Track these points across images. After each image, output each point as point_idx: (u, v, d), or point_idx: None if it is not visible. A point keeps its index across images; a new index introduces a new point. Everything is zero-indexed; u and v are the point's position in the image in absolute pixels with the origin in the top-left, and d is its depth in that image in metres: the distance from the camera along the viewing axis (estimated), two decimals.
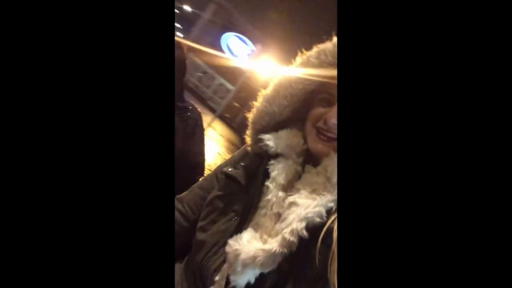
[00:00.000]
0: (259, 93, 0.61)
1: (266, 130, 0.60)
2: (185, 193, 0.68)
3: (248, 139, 0.64)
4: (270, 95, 0.60)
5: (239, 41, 6.33)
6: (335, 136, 0.54)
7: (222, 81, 6.50)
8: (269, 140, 0.58)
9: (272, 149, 0.57)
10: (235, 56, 6.26)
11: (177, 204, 0.66)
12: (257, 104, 0.61)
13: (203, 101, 6.17)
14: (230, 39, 6.22)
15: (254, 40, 6.36)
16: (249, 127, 0.63)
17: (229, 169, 0.62)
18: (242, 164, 0.62)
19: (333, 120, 0.53)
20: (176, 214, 0.65)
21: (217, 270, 0.52)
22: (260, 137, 0.59)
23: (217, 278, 0.52)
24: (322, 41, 0.55)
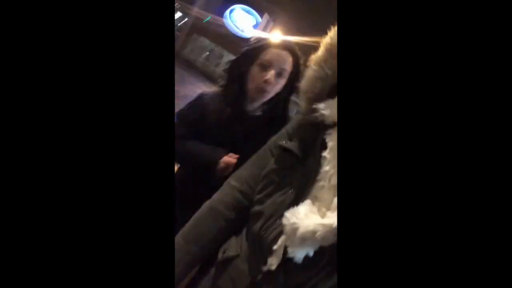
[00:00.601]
0: (309, 57, 0.56)
1: (321, 98, 0.56)
2: (240, 170, 0.66)
3: (301, 109, 0.60)
4: (321, 57, 0.55)
5: (244, 12, 6.10)
6: None
7: (232, 56, 6.37)
8: (325, 109, 0.54)
9: (330, 119, 0.54)
10: (241, 29, 6.07)
11: (236, 183, 0.64)
12: (307, 70, 0.56)
13: (215, 81, 6.11)
14: (234, 11, 6.00)
15: (259, 10, 6.12)
16: (300, 97, 0.59)
17: (284, 142, 0.59)
18: (297, 136, 0.59)
19: None
20: (236, 193, 0.64)
21: (274, 240, 0.52)
22: (315, 106, 0.55)
23: (275, 247, 0.52)
24: None
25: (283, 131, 0.65)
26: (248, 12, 6.00)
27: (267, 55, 0.95)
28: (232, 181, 0.65)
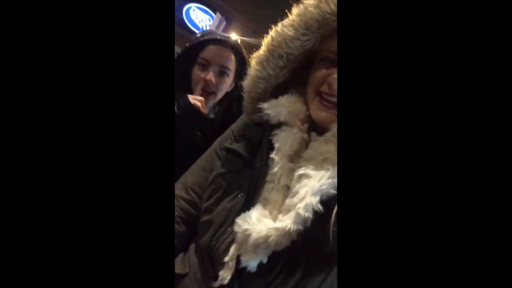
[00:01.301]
0: (252, 56, 0.54)
1: (264, 98, 0.55)
2: (186, 176, 0.62)
3: (245, 109, 0.58)
4: (262, 56, 0.54)
5: (200, 12, 6.00)
6: None
7: None
8: (270, 109, 0.53)
9: (275, 118, 0.52)
10: (199, 28, 5.97)
11: (181, 192, 0.60)
12: (250, 69, 0.55)
13: None
14: (190, 10, 5.88)
15: (214, 8, 6.05)
16: (244, 96, 0.57)
17: (229, 143, 0.56)
18: (243, 136, 0.57)
19: None
20: (183, 203, 0.59)
21: (226, 250, 0.50)
22: (259, 106, 0.54)
23: (226, 259, 0.49)
24: None
25: (228, 131, 0.62)
26: (203, 11, 5.91)
27: (205, 53, 0.90)
28: (176, 190, 0.61)
